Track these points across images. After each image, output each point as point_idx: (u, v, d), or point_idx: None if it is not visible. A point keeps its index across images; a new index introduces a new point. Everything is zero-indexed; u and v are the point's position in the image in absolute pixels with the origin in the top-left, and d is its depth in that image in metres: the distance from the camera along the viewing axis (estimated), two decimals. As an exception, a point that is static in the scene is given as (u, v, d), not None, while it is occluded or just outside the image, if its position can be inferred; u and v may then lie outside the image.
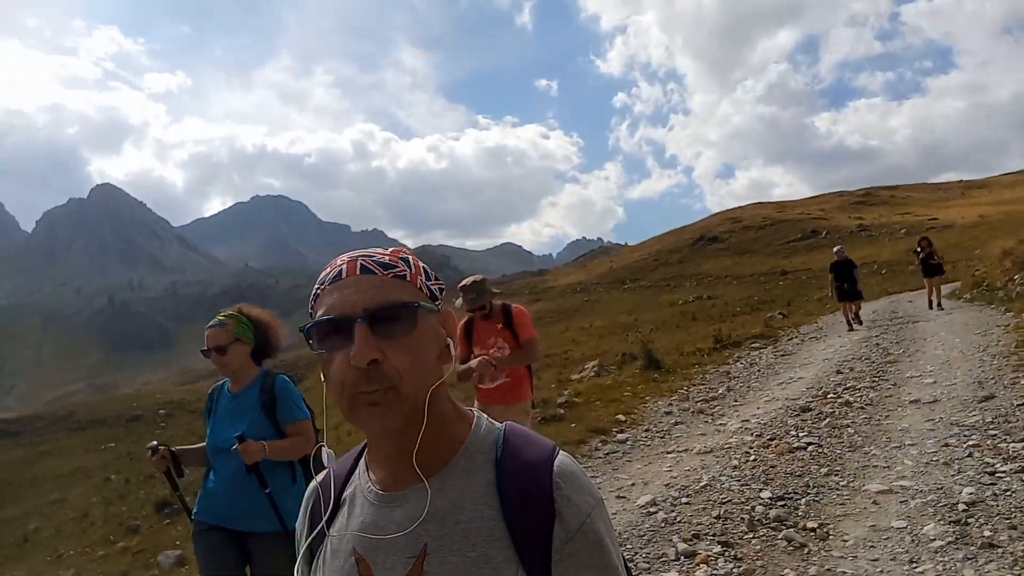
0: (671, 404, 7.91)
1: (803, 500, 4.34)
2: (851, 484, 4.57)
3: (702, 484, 4.86)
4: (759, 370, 9.72)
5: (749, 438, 5.93)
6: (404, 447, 0.92)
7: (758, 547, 3.73)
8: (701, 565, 3.58)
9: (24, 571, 19.77)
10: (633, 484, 5.16)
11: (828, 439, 5.65)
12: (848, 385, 7.71)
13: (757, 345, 12.81)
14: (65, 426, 73.80)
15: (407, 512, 0.92)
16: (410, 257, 0.97)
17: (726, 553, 3.69)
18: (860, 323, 13.65)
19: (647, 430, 6.87)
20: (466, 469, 0.94)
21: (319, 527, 1.02)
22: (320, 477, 1.07)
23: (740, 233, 65.31)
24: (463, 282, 4.38)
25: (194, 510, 2.96)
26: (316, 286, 0.95)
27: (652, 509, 4.50)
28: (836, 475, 4.77)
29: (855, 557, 3.48)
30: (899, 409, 6.37)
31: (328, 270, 0.95)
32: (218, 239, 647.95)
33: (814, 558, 3.54)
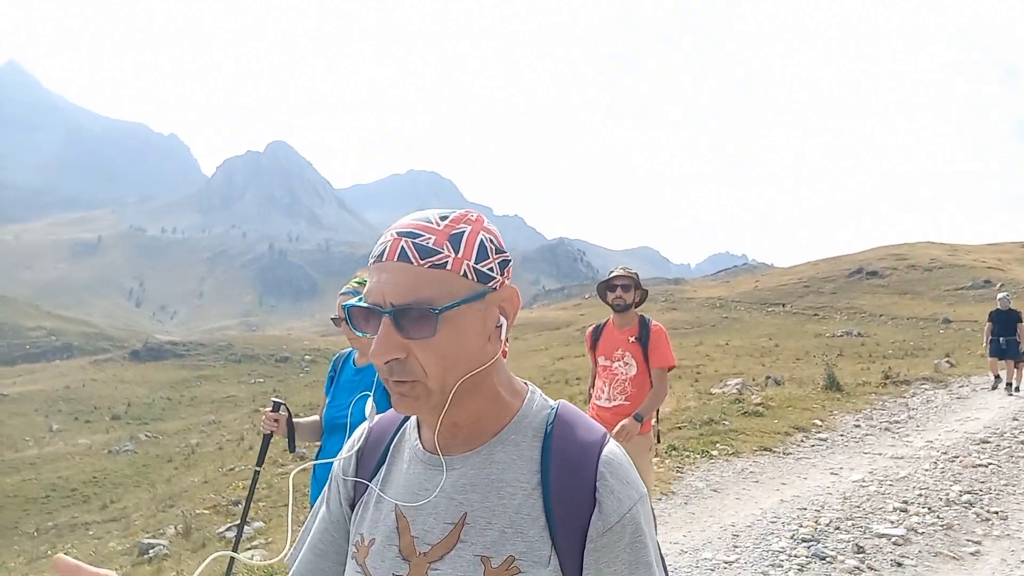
0: (858, 420, 9.32)
1: (986, 496, 5.78)
2: (1026, 494, 5.95)
3: (901, 476, 6.38)
4: (936, 407, 10.74)
5: (935, 453, 7.33)
6: (446, 423, 0.93)
7: (954, 515, 5.27)
8: (913, 516, 5.17)
9: (199, 477, 23.11)
10: (842, 468, 6.75)
11: (1006, 463, 6.94)
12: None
13: (927, 387, 13.52)
14: (223, 356, 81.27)
15: (452, 478, 0.93)
16: (466, 231, 0.90)
17: (930, 514, 5.25)
18: (1015, 390, 12.02)
19: (841, 435, 8.38)
20: (514, 443, 0.94)
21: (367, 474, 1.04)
22: (372, 421, 1.10)
23: (904, 272, 62.45)
24: (615, 270, 4.03)
25: (309, 495, 2.88)
26: (371, 256, 0.92)
27: (864, 482, 6.11)
28: (1013, 486, 6.14)
29: (1029, 536, 4.94)
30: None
31: (380, 240, 0.92)
32: (372, 205, 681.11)
33: (996, 528, 5.04)
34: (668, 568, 0.99)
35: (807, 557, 4.27)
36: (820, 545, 4.49)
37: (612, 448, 0.93)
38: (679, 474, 6.40)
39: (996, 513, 5.33)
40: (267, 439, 2.90)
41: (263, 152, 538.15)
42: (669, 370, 3.90)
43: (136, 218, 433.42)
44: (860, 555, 4.34)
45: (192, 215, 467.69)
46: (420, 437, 0.99)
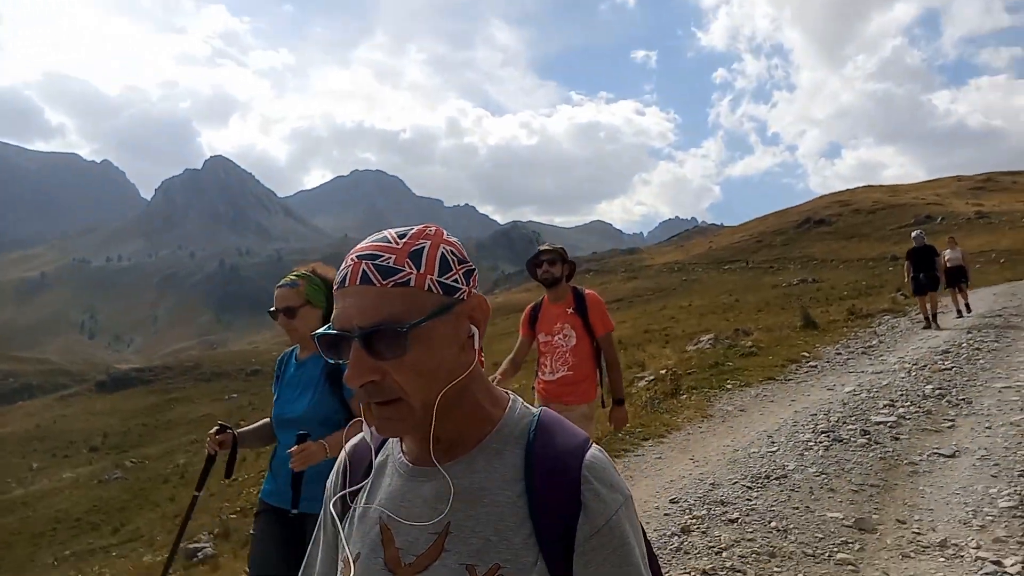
0: (838, 349, 10.75)
1: (953, 390, 7.18)
2: (985, 385, 7.34)
3: (883, 384, 7.77)
4: (900, 332, 12.23)
5: (907, 365, 8.75)
6: (427, 435, 0.92)
7: (931, 405, 6.64)
8: (900, 408, 6.52)
9: (203, 492, 23.76)
10: (835, 385, 8.10)
11: (966, 365, 8.41)
12: (977, 339, 10.29)
13: (888, 317, 15.06)
14: (192, 376, 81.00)
15: (434, 488, 0.93)
16: (426, 246, 0.90)
17: (912, 406, 6.61)
18: (967, 311, 13.16)
19: (827, 362, 9.78)
20: (497, 451, 0.94)
21: (349, 490, 1.05)
22: (355, 439, 1.11)
23: (849, 216, 64.90)
24: (542, 246, 4.08)
25: (262, 490, 2.81)
26: (334, 284, 0.92)
27: (856, 392, 7.47)
28: (972, 382, 7.55)
29: (990, 413, 6.23)
30: (1018, 353, 9.02)
31: (341, 267, 0.91)
32: (319, 210, 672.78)
33: (964, 410, 6.40)
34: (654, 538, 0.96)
35: (828, 442, 5.57)
36: (835, 433, 5.80)
37: (595, 452, 0.94)
38: (709, 403, 7.72)
39: (963, 400, 6.72)
40: (210, 461, 2.78)
41: (201, 169, 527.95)
42: (609, 331, 3.97)
43: (79, 250, 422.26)
44: (866, 436, 5.65)
45: (136, 240, 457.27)
46: (403, 450, 1.00)
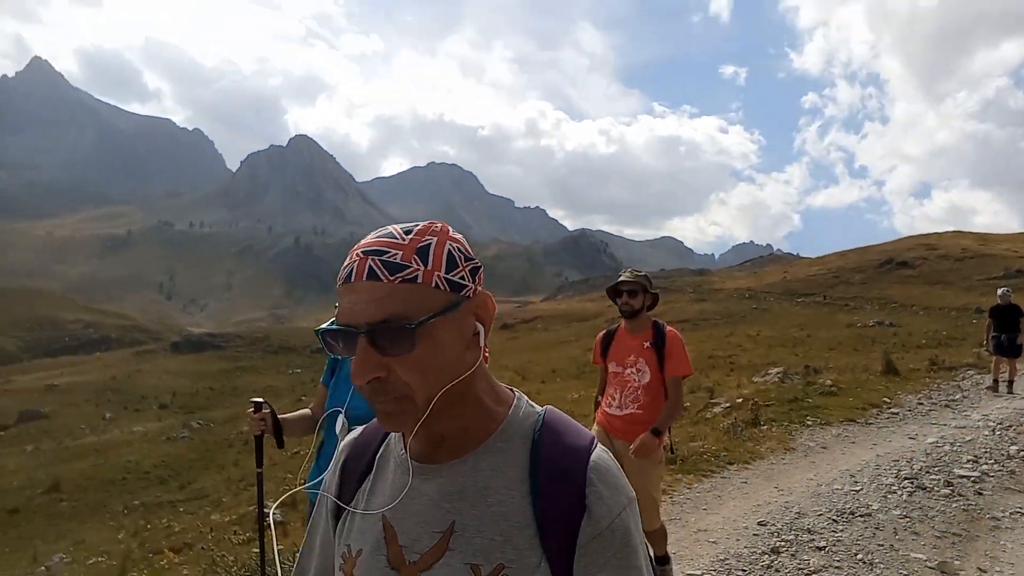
0: (920, 399, 10.80)
1: (1040, 454, 7.26)
2: (1071, 453, 7.38)
3: (967, 439, 7.87)
4: (984, 388, 12.04)
5: (992, 423, 8.79)
6: (430, 433, 0.93)
7: (1015, 465, 6.76)
8: (983, 465, 6.66)
9: (266, 460, 24.72)
10: (916, 434, 8.24)
11: (1052, 431, 8.40)
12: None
13: (972, 372, 14.77)
14: (260, 348, 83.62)
15: (439, 486, 0.93)
16: (432, 242, 0.89)
17: (996, 464, 6.74)
18: (1010, 390, 11.55)
19: (909, 410, 9.88)
20: (502, 450, 0.94)
21: (348, 484, 1.05)
22: (356, 433, 1.10)
23: (934, 262, 62.73)
24: (624, 273, 3.86)
25: (309, 480, 2.76)
26: (337, 279, 0.91)
27: (939, 443, 7.61)
28: (1060, 448, 7.60)
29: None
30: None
31: (346, 262, 0.90)
32: (394, 198, 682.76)
33: (1051, 474, 6.52)
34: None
35: (912, 488, 5.81)
36: (919, 481, 6.03)
37: (600, 454, 0.94)
38: (790, 436, 8.00)
39: (1051, 464, 6.82)
40: (259, 440, 2.81)
41: (286, 147, 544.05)
42: (684, 378, 3.76)
43: (164, 213, 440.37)
44: (950, 487, 5.87)
45: (219, 210, 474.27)
46: (406, 446, 1.00)
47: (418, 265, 0.87)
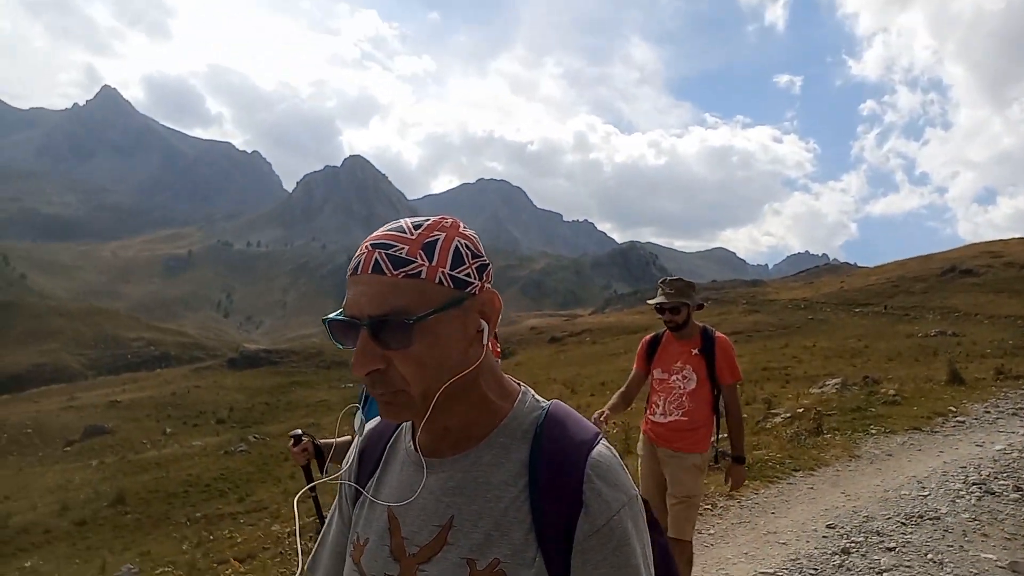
0: (987, 407, 10.63)
1: (1114, 462, 7.15)
2: None
3: (1037, 447, 7.78)
4: None
5: (1063, 432, 8.65)
6: (434, 427, 0.94)
7: (1089, 474, 6.69)
8: (1054, 475, 6.62)
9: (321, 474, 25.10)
10: (984, 442, 8.19)
11: None
12: None
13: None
14: (314, 363, 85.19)
15: (441, 480, 0.94)
16: (440, 238, 0.90)
17: (1069, 473, 6.69)
18: None
19: (975, 419, 9.77)
20: (504, 445, 0.94)
21: (363, 475, 1.07)
22: (373, 423, 1.12)
23: (1000, 269, 60.59)
24: (660, 288, 3.74)
25: None
26: (348, 270, 0.92)
27: (1007, 451, 7.57)
28: None
29: None
30: None
31: (356, 253, 0.92)
32: (444, 214, 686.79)
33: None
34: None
35: (980, 493, 5.87)
36: (987, 486, 6.06)
37: (601, 450, 0.93)
38: (855, 444, 8.05)
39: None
40: (307, 469, 2.83)
41: (340, 167, 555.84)
42: (737, 381, 3.69)
43: (223, 233, 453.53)
44: (1019, 492, 5.90)
45: (275, 229, 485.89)
46: (413, 439, 1.01)
47: (423, 260, 0.87)
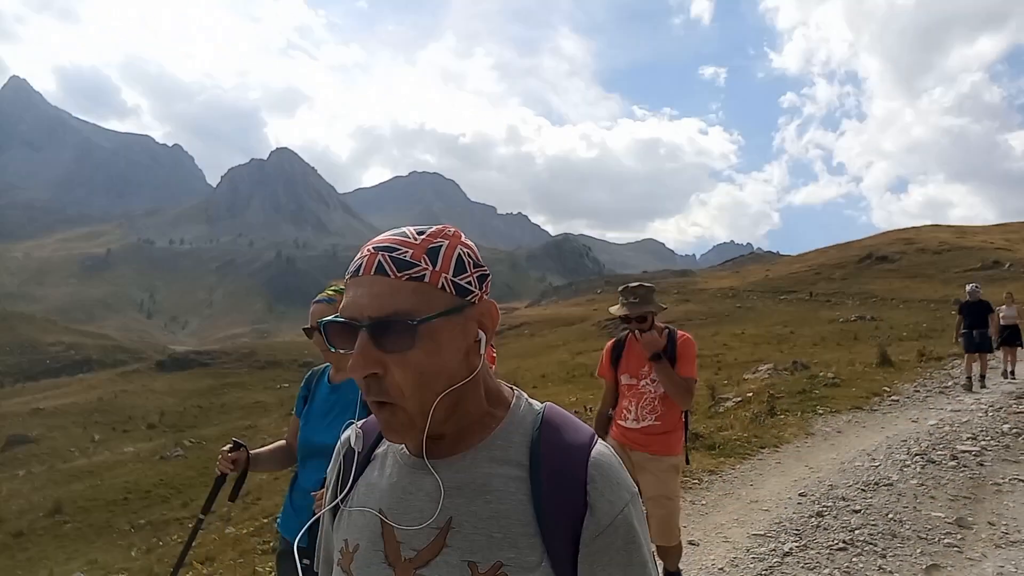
0: (916, 387, 11.72)
1: (1029, 431, 8.12)
2: (1057, 429, 8.25)
3: (963, 420, 8.75)
4: (960, 386, 12.81)
5: (983, 406, 9.68)
6: (430, 432, 0.91)
7: (1009, 440, 7.62)
8: (982, 441, 7.51)
9: (266, 476, 25.19)
10: (918, 418, 9.11)
11: (1039, 411, 9.28)
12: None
13: (959, 361, 15.67)
14: (247, 363, 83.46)
15: (437, 482, 0.92)
16: (444, 245, 0.90)
17: (993, 440, 7.59)
18: (1011, 376, 12.07)
19: (907, 398, 10.77)
20: (502, 448, 0.93)
21: (344, 481, 1.04)
22: (356, 428, 1.08)
23: (913, 255, 63.84)
24: (628, 284, 3.69)
25: (278, 520, 2.64)
26: (346, 273, 0.91)
27: (939, 425, 8.48)
28: (1047, 425, 8.46)
29: (1062, 452, 7.22)
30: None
31: (356, 257, 0.91)
32: (376, 208, 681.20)
33: (1040, 448, 7.36)
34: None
35: (923, 462, 6.66)
36: (928, 456, 6.88)
37: (601, 449, 0.93)
38: (808, 424, 8.86)
39: (1037, 439, 7.67)
40: (219, 482, 2.61)
41: (267, 160, 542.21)
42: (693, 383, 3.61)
43: (144, 230, 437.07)
44: (955, 460, 6.73)
45: (199, 225, 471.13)
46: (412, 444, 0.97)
47: (427, 265, 0.88)
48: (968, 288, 12.45)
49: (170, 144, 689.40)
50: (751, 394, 11.46)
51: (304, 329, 2.38)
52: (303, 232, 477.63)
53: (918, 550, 4.52)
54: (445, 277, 0.88)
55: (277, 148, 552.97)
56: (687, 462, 3.87)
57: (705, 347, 30.94)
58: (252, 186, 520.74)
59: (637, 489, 0.95)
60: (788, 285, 64.82)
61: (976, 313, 11.78)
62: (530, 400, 1.01)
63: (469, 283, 0.91)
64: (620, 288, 3.70)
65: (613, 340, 3.83)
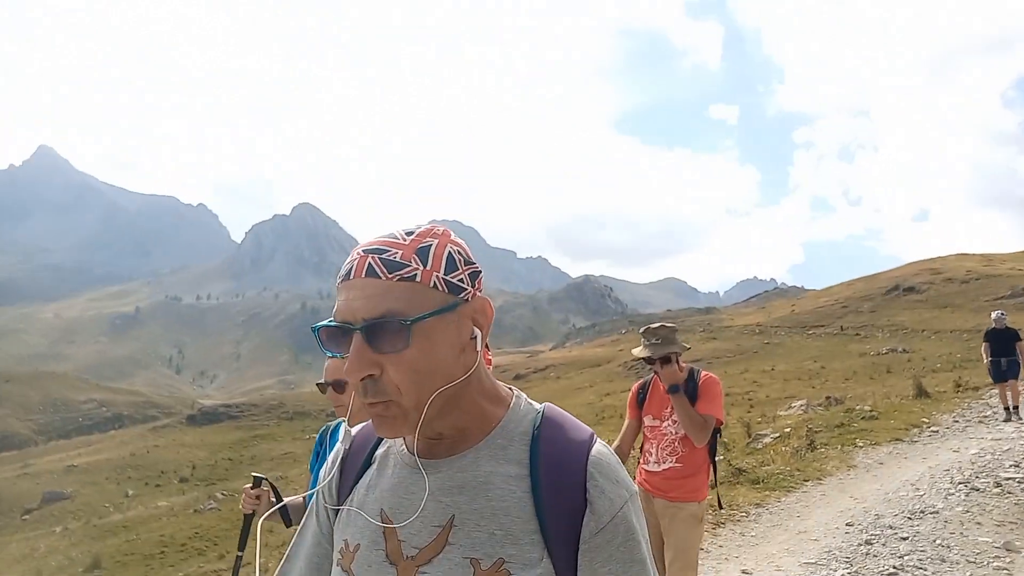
0: (955, 417, 11.71)
1: (1072, 457, 8.15)
2: (1100, 454, 8.28)
3: (1005, 448, 8.81)
4: (1002, 421, 12.81)
5: (1024, 434, 9.70)
6: (429, 432, 0.93)
7: (1053, 468, 7.66)
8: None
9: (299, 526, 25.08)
10: (959, 447, 9.17)
11: (1081, 437, 9.29)
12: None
13: (996, 390, 15.68)
14: (275, 414, 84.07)
15: (439, 481, 0.93)
16: (433, 244, 0.91)
17: (1037, 468, 7.65)
18: (1016, 416, 11.10)
19: (947, 428, 10.82)
20: (502, 446, 0.95)
21: (345, 482, 1.05)
22: (356, 429, 1.10)
23: (940, 285, 63.10)
24: (649, 325, 3.66)
25: None
26: (337, 278, 0.92)
27: (980, 454, 8.55)
28: (1089, 451, 8.49)
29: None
30: None
31: (346, 261, 0.91)
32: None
33: (1084, 473, 7.41)
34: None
35: (967, 490, 6.78)
36: (972, 484, 6.98)
37: (600, 448, 0.95)
38: (849, 456, 8.99)
39: (1082, 466, 7.71)
40: (248, 519, 2.65)
41: (289, 215, 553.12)
42: (718, 425, 3.51)
43: (171, 288, 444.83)
44: (999, 487, 6.82)
45: (225, 281, 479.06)
46: (405, 441, 1.01)
47: (417, 264, 0.88)
48: (993, 316, 12.17)
49: (195, 204, 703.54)
50: (788, 429, 11.53)
51: (318, 384, 2.38)
52: (326, 283, 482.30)
53: (967, 573, 4.67)
54: (436, 275, 0.89)
55: (299, 203, 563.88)
56: (720, 506, 3.80)
57: (735, 385, 30.85)
58: (275, 241, 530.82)
59: (637, 488, 0.97)
60: (815, 319, 64.32)
61: (1003, 340, 11.51)
62: (529, 400, 1.03)
63: (461, 280, 0.92)
64: (642, 330, 3.65)
65: (640, 382, 3.80)
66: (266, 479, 2.55)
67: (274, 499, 2.54)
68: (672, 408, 3.48)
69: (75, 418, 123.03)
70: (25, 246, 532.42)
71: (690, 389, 3.44)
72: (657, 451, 3.56)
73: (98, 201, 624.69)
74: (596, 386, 47.77)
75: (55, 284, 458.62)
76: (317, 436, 2.62)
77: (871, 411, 12.26)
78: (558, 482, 0.91)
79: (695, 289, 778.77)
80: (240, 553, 2.69)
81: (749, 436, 12.28)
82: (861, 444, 9.69)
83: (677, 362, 3.48)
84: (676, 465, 3.47)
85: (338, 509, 1.04)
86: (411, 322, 0.85)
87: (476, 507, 0.91)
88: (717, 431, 3.51)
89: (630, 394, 3.79)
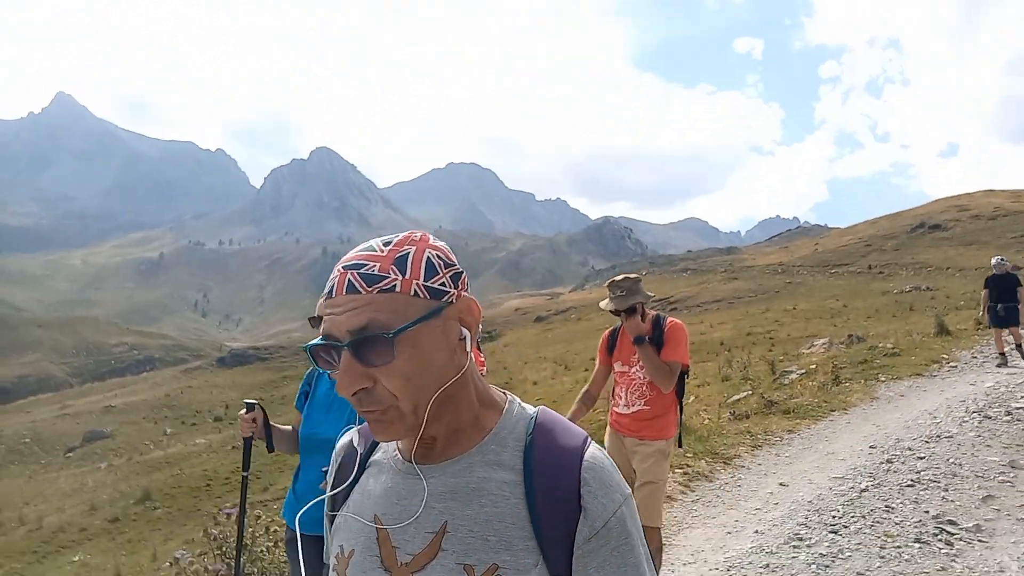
0: (974, 353, 12.31)
1: (1082, 389, 8.77)
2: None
3: (1019, 382, 9.42)
4: (996, 366, 13.09)
5: (1039, 370, 10.29)
6: (423, 436, 0.93)
7: (1062, 399, 8.29)
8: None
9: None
10: (975, 381, 9.80)
11: (1092, 371, 9.88)
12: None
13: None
14: (302, 357, 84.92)
15: (432, 486, 0.93)
16: (411, 252, 0.90)
17: (1045, 400, 8.28)
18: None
19: (965, 364, 11.45)
20: (495, 452, 0.94)
21: (343, 485, 1.05)
22: (352, 434, 1.10)
23: (967, 223, 62.15)
24: (614, 278, 3.82)
25: (283, 511, 2.74)
26: (321, 295, 0.94)
27: (995, 387, 9.18)
28: (1099, 383, 9.09)
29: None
30: None
31: (329, 278, 0.92)
32: (416, 201, 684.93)
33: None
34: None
35: (980, 418, 7.45)
36: (984, 413, 7.65)
37: (594, 452, 0.94)
38: (872, 389, 9.68)
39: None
40: (248, 443, 2.80)
41: (308, 159, 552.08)
42: (684, 370, 3.67)
43: (194, 233, 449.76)
44: (1009, 416, 7.48)
45: (246, 226, 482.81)
46: (398, 447, 1.01)
47: (396, 275, 0.88)
48: (994, 261, 11.97)
49: (213, 149, 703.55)
50: (814, 366, 12.22)
51: (310, 319, 2.31)
52: (347, 228, 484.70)
53: (976, 485, 5.38)
54: (416, 283, 0.89)
55: (317, 147, 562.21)
56: (679, 445, 4.01)
57: (756, 324, 31.22)
58: (294, 185, 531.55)
59: (630, 491, 0.97)
60: (838, 258, 63.99)
61: (1004, 287, 11.31)
62: (523, 404, 1.03)
63: (443, 284, 0.91)
64: (607, 282, 3.84)
65: (610, 329, 4.00)
66: (258, 403, 2.73)
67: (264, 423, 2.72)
68: (638, 354, 3.67)
69: (108, 361, 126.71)
70: (48, 193, 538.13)
71: (656, 336, 3.63)
72: (627, 394, 3.78)
73: (118, 148, 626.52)
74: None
75: (80, 231, 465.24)
76: (304, 376, 2.82)
77: (893, 348, 12.89)
78: (552, 487, 0.91)
79: (716, 229, 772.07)
80: (245, 473, 2.95)
81: (774, 373, 12.96)
82: (883, 379, 10.37)
83: (642, 312, 3.69)
84: (645, 408, 3.70)
85: (333, 520, 1.06)
86: (394, 334, 0.85)
87: (469, 513, 0.91)
88: (684, 374, 3.71)
89: (601, 341, 4.02)
